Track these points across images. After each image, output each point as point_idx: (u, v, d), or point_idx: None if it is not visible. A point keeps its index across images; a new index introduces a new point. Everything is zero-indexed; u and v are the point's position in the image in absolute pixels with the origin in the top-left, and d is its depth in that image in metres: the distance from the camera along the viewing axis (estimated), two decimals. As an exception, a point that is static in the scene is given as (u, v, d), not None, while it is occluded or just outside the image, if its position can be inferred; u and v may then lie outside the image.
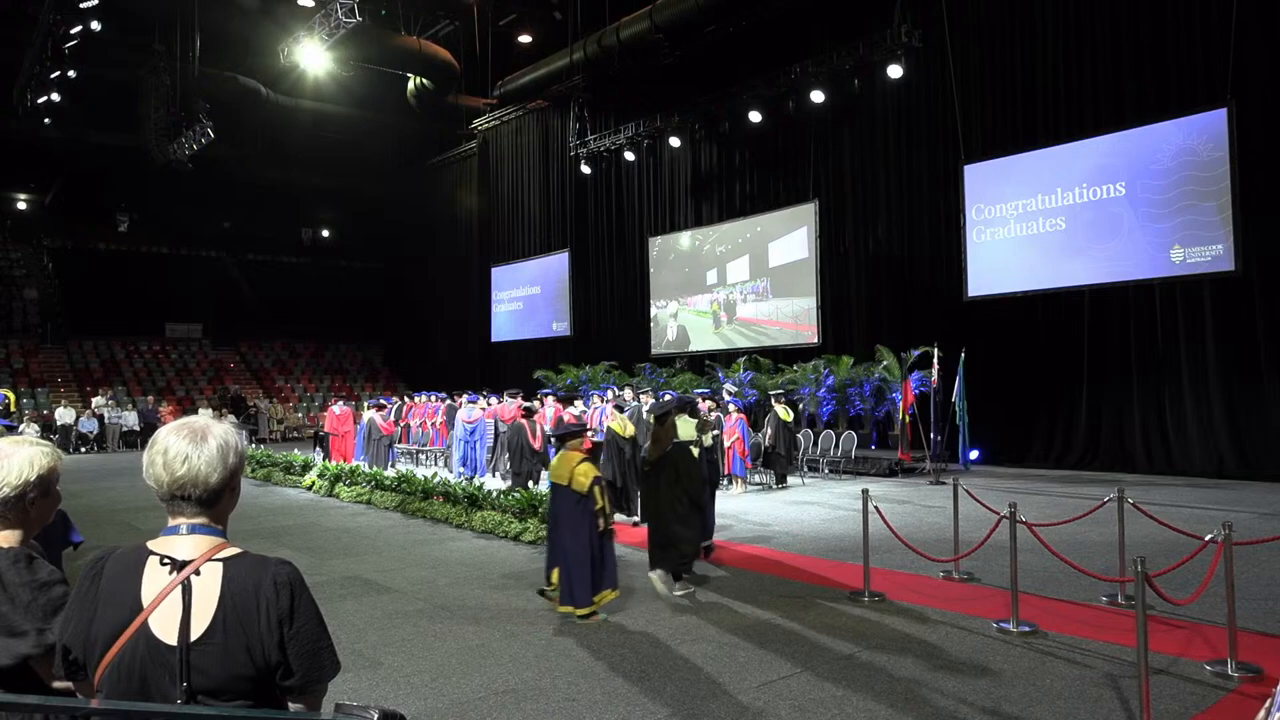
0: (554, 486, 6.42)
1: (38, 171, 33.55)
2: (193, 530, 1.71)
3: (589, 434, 6.90)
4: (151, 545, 1.71)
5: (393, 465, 15.66)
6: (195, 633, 1.63)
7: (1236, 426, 13.19)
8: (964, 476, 11.13)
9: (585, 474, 6.15)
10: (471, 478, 12.55)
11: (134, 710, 1.52)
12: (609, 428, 10.78)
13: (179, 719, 1.54)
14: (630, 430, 10.77)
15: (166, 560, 1.67)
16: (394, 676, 4.97)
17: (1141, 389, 14.25)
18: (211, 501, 1.72)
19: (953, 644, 5.36)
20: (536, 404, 14.56)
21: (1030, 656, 5.09)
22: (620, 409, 11.43)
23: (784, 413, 13.60)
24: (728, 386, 16.33)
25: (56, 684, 1.93)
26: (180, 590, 1.64)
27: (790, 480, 14.02)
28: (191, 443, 1.70)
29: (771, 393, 14.61)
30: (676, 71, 21.40)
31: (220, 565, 1.68)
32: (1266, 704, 1.58)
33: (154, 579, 1.66)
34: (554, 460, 6.52)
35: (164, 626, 1.63)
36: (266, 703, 1.68)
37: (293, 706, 1.73)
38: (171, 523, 1.72)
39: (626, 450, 10.56)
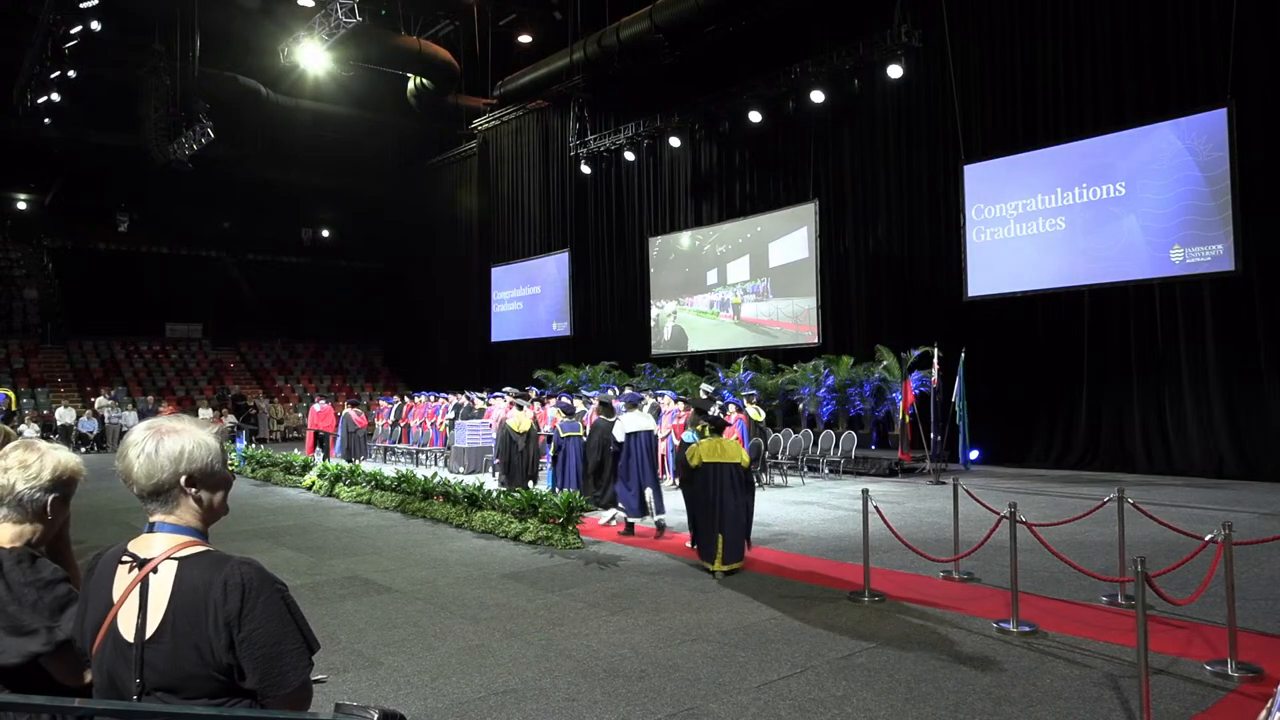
0: (713, 466, 7.44)
1: (38, 171, 33.57)
2: (158, 528, 1.71)
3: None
4: (130, 544, 1.73)
5: (369, 456, 15.95)
6: (149, 630, 1.64)
7: (1236, 426, 13.19)
8: (964, 476, 11.12)
9: (744, 454, 7.64)
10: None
11: (135, 710, 1.53)
12: (505, 424, 12.34)
13: (184, 719, 1.54)
14: (525, 426, 12.46)
15: (128, 558, 1.69)
16: (394, 676, 4.96)
17: (1141, 389, 14.25)
18: (163, 501, 1.70)
19: (953, 644, 5.35)
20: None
21: (1030, 656, 5.09)
22: (520, 407, 13.05)
23: (755, 413, 13.71)
24: (704, 388, 16.40)
25: (70, 683, 1.92)
26: (139, 588, 1.66)
27: (791, 480, 14.03)
28: (138, 443, 1.69)
29: (744, 393, 14.70)
30: (676, 71, 21.41)
31: (175, 564, 1.67)
32: (1267, 704, 1.58)
33: (122, 577, 1.69)
34: (706, 445, 7.58)
35: (126, 623, 1.66)
36: (246, 699, 1.67)
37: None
38: (148, 520, 1.74)
39: (520, 444, 12.33)
